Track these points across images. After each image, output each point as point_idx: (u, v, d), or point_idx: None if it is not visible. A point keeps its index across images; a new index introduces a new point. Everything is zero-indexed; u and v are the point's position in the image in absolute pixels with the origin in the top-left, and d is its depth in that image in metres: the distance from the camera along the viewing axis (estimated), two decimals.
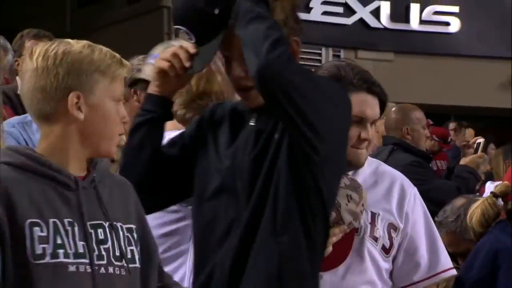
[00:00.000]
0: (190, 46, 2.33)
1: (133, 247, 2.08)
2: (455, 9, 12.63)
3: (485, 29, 12.42)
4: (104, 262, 2.00)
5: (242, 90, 2.34)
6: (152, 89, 2.41)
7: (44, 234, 1.93)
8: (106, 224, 2.04)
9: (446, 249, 3.70)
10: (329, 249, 2.51)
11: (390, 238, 2.69)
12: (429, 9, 12.58)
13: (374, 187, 2.73)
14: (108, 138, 2.08)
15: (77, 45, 2.05)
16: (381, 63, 11.92)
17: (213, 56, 2.35)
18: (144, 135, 2.38)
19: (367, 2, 12.26)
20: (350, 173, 2.69)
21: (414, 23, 12.58)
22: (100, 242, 2.01)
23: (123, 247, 2.05)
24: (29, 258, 1.90)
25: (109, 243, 2.02)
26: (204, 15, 2.29)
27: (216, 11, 2.29)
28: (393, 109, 5.47)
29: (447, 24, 12.65)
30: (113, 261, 2.02)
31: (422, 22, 12.58)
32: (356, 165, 2.70)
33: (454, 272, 2.83)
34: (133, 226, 2.10)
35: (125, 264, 2.04)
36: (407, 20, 12.56)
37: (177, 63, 2.32)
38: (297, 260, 2.23)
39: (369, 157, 2.80)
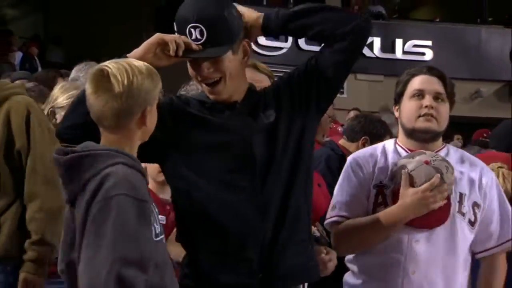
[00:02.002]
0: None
1: None
2: (429, 43, 13.68)
3: (451, 58, 13.22)
4: (163, 236, 2.16)
5: (210, 85, 2.23)
6: (136, 55, 2.19)
7: (155, 217, 2.09)
8: (155, 209, 2.15)
9: None
10: (438, 204, 2.58)
11: (474, 213, 2.75)
12: (410, 43, 13.63)
13: (460, 171, 2.76)
14: (152, 129, 2.18)
15: (138, 64, 2.07)
16: (374, 83, 12.97)
17: (221, 55, 2.19)
18: None
19: None
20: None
21: (399, 53, 13.55)
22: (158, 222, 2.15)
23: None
24: (153, 237, 2.03)
25: (159, 224, 2.14)
26: (225, 23, 2.17)
27: (235, 27, 2.21)
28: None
29: (423, 54, 13.63)
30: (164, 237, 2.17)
31: (404, 52, 13.54)
32: (425, 131, 2.74)
33: None
34: None
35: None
36: (393, 51, 13.54)
37: (183, 44, 2.17)
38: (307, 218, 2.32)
39: (453, 147, 2.87)
